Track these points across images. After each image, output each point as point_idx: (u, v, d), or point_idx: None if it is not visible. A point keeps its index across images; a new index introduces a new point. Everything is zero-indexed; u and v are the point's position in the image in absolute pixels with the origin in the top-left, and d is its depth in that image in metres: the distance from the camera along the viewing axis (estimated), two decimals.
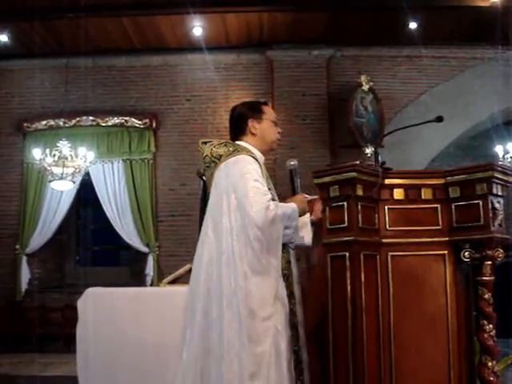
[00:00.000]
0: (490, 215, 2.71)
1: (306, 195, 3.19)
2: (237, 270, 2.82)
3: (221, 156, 3.11)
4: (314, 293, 3.13)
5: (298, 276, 3.12)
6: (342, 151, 9.45)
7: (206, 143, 3.25)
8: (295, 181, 3.24)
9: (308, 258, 3.30)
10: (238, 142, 3.22)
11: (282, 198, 3.14)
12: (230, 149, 3.13)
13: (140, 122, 9.96)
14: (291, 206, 3.01)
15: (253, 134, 3.23)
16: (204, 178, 3.96)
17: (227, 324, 2.78)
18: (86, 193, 10.38)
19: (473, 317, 2.81)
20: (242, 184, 2.93)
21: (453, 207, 2.81)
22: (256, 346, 2.74)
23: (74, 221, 10.87)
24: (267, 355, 2.75)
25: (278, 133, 3.33)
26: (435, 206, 2.84)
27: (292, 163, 3.25)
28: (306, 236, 3.21)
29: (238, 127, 3.28)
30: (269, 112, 3.31)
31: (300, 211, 3.03)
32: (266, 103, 3.40)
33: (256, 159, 3.12)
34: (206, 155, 3.18)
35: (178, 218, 9.78)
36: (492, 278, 2.76)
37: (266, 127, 3.26)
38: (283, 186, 3.15)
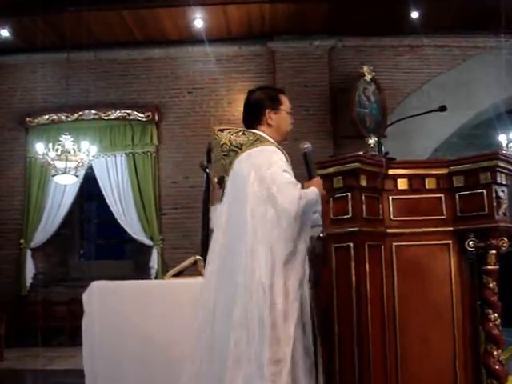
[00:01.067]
0: (494, 204, 2.70)
1: None
2: (261, 261, 2.81)
3: (241, 145, 3.08)
4: (319, 283, 3.13)
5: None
6: (345, 142, 9.45)
7: (222, 131, 3.23)
8: (310, 164, 3.18)
9: (312, 248, 3.28)
10: (254, 131, 3.18)
11: None
12: (250, 138, 3.10)
13: (142, 115, 9.96)
14: (315, 191, 2.95)
15: (269, 124, 3.19)
16: (207, 170, 3.95)
17: (250, 314, 2.77)
18: (90, 187, 10.40)
19: (478, 306, 2.81)
20: (272, 175, 2.90)
21: (457, 197, 2.80)
22: (280, 332, 2.74)
23: (78, 215, 10.91)
24: (291, 340, 2.75)
25: (292, 123, 3.31)
26: (439, 195, 2.83)
27: (306, 146, 3.19)
28: None
29: (254, 116, 3.23)
30: (286, 102, 3.28)
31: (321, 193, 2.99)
32: (283, 92, 3.36)
33: (280, 149, 3.10)
34: (224, 143, 3.15)
35: (181, 211, 9.80)
36: (497, 267, 2.75)
37: (282, 118, 3.23)
38: None
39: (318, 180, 3.08)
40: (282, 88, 3.51)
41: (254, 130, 3.18)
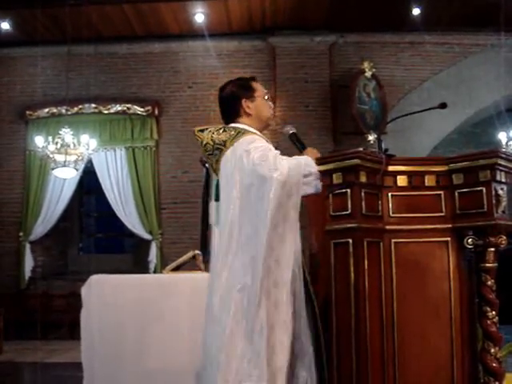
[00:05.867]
0: (494, 202, 2.70)
1: None
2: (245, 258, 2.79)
3: (225, 142, 3.03)
4: (317, 279, 3.13)
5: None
6: (345, 138, 9.45)
7: (202, 131, 3.18)
8: (299, 141, 3.17)
9: (310, 244, 3.28)
10: (234, 125, 3.13)
11: None
12: (232, 133, 3.05)
13: (142, 110, 9.96)
14: (303, 157, 2.94)
15: (248, 114, 3.15)
16: (207, 165, 3.92)
17: (240, 312, 2.76)
18: (89, 180, 10.41)
19: (476, 303, 2.82)
20: (246, 156, 2.86)
21: (456, 194, 2.80)
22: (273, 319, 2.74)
23: (77, 208, 10.92)
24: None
25: (272, 108, 3.27)
26: (438, 192, 2.84)
27: (288, 128, 3.20)
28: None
29: (231, 109, 3.19)
30: (259, 88, 3.22)
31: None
32: (254, 79, 3.29)
33: (262, 137, 3.07)
34: (207, 143, 3.10)
35: (180, 206, 9.80)
36: (495, 264, 2.76)
37: (259, 105, 3.17)
38: None
39: (310, 149, 3.06)
40: (253, 76, 3.45)
41: (233, 124, 3.13)
